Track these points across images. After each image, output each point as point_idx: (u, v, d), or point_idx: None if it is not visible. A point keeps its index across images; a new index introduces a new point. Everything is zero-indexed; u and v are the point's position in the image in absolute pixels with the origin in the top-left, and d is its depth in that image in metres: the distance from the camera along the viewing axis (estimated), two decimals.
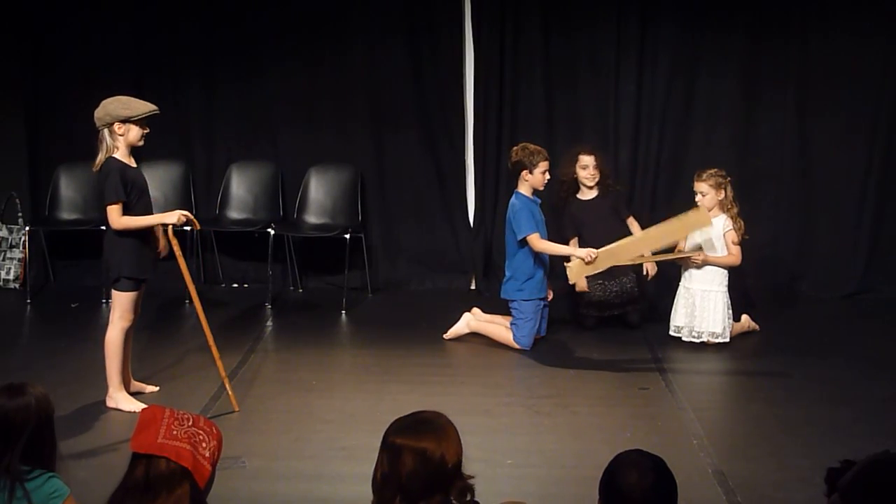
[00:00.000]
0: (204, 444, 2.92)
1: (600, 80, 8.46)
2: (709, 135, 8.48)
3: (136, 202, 5.63)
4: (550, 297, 7.20)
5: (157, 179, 8.45)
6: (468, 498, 2.88)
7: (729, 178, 7.15)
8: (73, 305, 8.09)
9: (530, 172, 6.89)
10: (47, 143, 8.74)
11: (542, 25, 8.40)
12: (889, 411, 5.81)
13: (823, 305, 8.29)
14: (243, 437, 5.34)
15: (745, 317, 7.38)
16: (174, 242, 5.66)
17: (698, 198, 7.11)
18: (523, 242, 6.87)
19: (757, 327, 7.43)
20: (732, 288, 7.18)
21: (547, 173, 6.92)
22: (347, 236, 8.16)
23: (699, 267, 7.08)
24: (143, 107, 5.62)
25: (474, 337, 7.20)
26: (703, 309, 7.07)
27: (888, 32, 8.24)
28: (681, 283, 7.22)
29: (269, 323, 7.77)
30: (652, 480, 2.69)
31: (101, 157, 5.59)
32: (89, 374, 6.12)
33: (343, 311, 7.98)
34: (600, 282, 7.30)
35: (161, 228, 5.73)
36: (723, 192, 7.09)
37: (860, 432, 5.39)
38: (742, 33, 8.34)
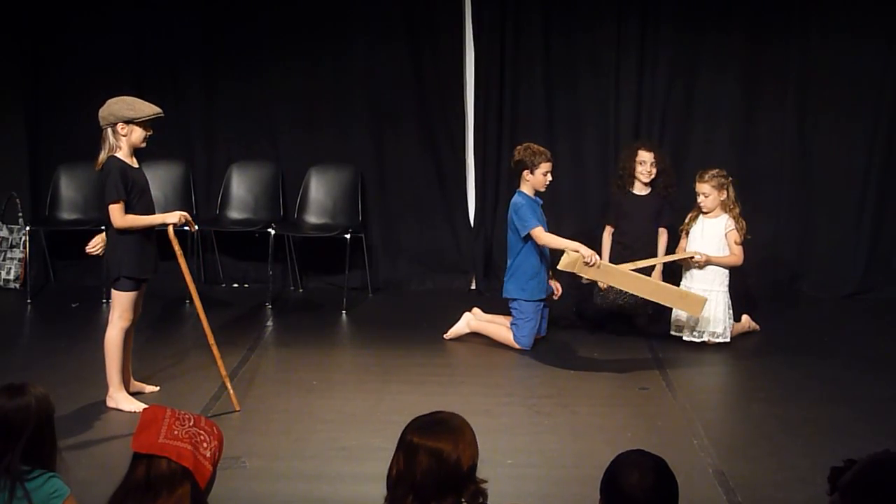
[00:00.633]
0: (205, 444, 2.92)
1: (600, 80, 8.47)
2: (709, 135, 8.48)
3: (137, 202, 5.62)
4: (559, 292, 7.18)
5: (158, 179, 8.45)
6: (480, 501, 2.87)
7: (731, 179, 7.15)
8: (73, 305, 8.09)
9: (531, 172, 6.89)
10: (48, 144, 8.74)
11: (542, 25, 8.41)
12: (889, 411, 5.81)
13: (824, 305, 8.29)
14: (244, 437, 5.34)
15: (745, 317, 7.38)
16: (175, 242, 5.65)
17: (700, 199, 7.12)
18: (527, 238, 6.86)
19: (757, 327, 7.44)
20: (733, 288, 7.18)
21: (549, 175, 6.91)
22: (348, 236, 8.16)
23: (701, 267, 7.08)
24: (148, 109, 5.62)
25: (475, 337, 7.20)
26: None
27: (888, 33, 8.26)
28: (682, 283, 7.22)
29: (270, 323, 7.77)
30: (653, 481, 2.69)
31: (102, 156, 5.59)
32: (90, 373, 6.12)
33: (343, 311, 7.98)
34: (609, 289, 7.31)
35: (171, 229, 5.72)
36: (725, 192, 7.10)
37: (860, 432, 5.39)
38: (742, 33, 8.34)
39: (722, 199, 7.11)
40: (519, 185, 7.00)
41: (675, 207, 7.59)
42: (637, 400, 6.11)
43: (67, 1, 8.54)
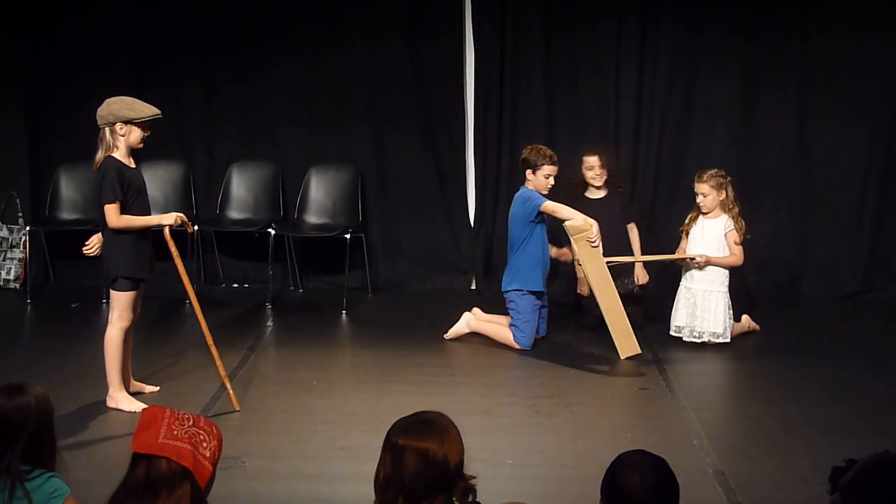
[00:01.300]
0: (204, 444, 2.92)
1: (600, 80, 8.47)
2: (709, 135, 8.48)
3: (133, 202, 5.62)
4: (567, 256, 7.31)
5: (158, 179, 8.46)
6: (470, 499, 2.89)
7: (729, 179, 7.15)
8: (73, 305, 8.09)
9: (534, 173, 6.89)
10: (48, 144, 8.74)
11: (542, 25, 8.41)
12: (890, 411, 5.80)
13: (824, 305, 8.29)
14: (243, 437, 5.34)
15: (745, 317, 7.38)
16: (171, 244, 5.64)
17: (699, 199, 7.12)
18: (539, 216, 6.83)
19: (757, 327, 7.44)
20: (733, 288, 7.18)
21: (551, 179, 6.90)
22: (348, 236, 8.16)
23: (701, 268, 7.08)
24: (147, 110, 5.62)
25: (474, 337, 7.20)
26: (703, 309, 7.07)
27: (888, 33, 8.26)
28: (682, 283, 7.22)
29: (270, 323, 7.77)
30: (654, 481, 2.69)
31: (99, 155, 5.59)
32: (89, 374, 6.12)
33: (343, 311, 7.98)
34: None
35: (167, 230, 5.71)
36: (724, 192, 7.10)
37: (861, 432, 5.39)
38: (742, 33, 8.34)
39: (721, 199, 7.10)
40: (524, 184, 7.00)
41: (635, 199, 7.77)
42: (637, 400, 6.11)
43: (67, 1, 8.53)
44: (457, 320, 7.24)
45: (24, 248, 8.48)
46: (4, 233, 8.57)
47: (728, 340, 7.08)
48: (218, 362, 5.76)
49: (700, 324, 7.08)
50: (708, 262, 7.06)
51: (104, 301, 7.85)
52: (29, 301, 8.19)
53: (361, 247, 8.46)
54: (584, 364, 6.73)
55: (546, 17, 8.41)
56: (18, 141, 8.66)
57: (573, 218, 6.68)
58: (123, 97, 5.67)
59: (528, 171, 6.92)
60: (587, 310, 7.41)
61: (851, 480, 2.39)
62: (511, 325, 7.03)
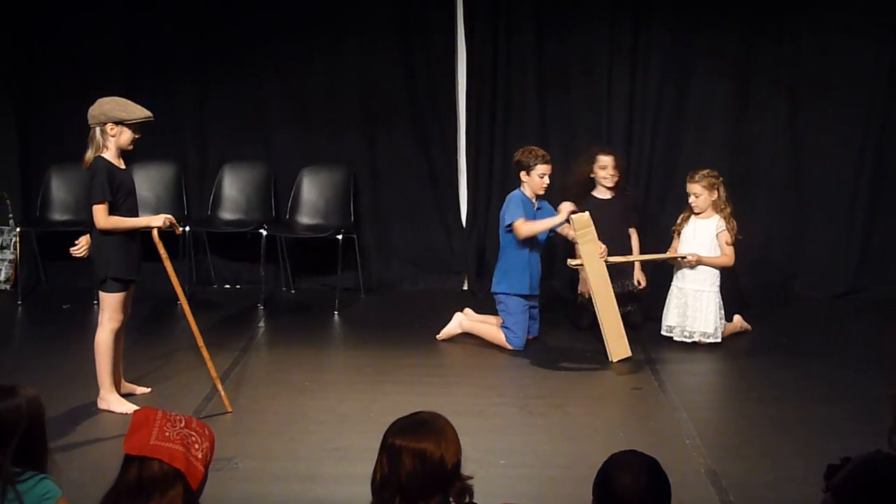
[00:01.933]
0: (196, 446, 2.91)
1: (593, 81, 8.47)
2: (701, 135, 8.49)
3: (122, 203, 5.61)
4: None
5: (149, 180, 8.45)
6: (467, 499, 2.89)
7: (721, 179, 7.16)
8: (64, 307, 8.07)
9: (528, 174, 6.90)
10: (39, 144, 8.72)
11: (534, 26, 8.41)
12: (882, 410, 5.77)
13: (815, 305, 8.30)
14: (236, 438, 5.34)
15: (737, 317, 7.39)
16: (160, 245, 5.63)
17: (691, 199, 7.13)
18: (509, 229, 6.87)
19: (749, 327, 7.44)
20: (725, 288, 7.19)
21: (546, 178, 6.91)
22: (340, 237, 8.15)
23: (692, 267, 7.09)
24: (139, 112, 5.61)
25: (467, 337, 7.20)
26: (695, 309, 7.08)
27: (879, 32, 8.28)
28: (673, 283, 7.24)
29: (262, 324, 7.76)
30: (646, 481, 2.69)
31: (89, 155, 5.58)
32: (81, 375, 6.10)
33: (336, 312, 7.98)
34: None
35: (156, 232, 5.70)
36: (716, 192, 7.11)
37: (853, 431, 5.39)
38: (734, 34, 8.35)
39: (713, 199, 7.11)
40: (520, 186, 7.01)
41: (637, 204, 7.71)
42: (630, 400, 6.12)
43: (59, 1, 8.51)
44: (449, 321, 7.24)
45: (15, 249, 8.46)
46: None
47: (719, 340, 7.09)
48: (209, 363, 5.76)
49: (691, 323, 7.10)
50: (699, 262, 7.07)
51: (95, 302, 7.78)
52: (20, 302, 8.18)
53: (354, 247, 8.45)
54: (577, 364, 6.74)
55: (538, 17, 8.41)
56: (9, 142, 8.63)
57: (547, 226, 6.85)
58: (116, 98, 5.66)
59: (522, 173, 6.93)
60: (583, 309, 7.41)
61: (843, 480, 2.39)
62: (503, 326, 7.03)
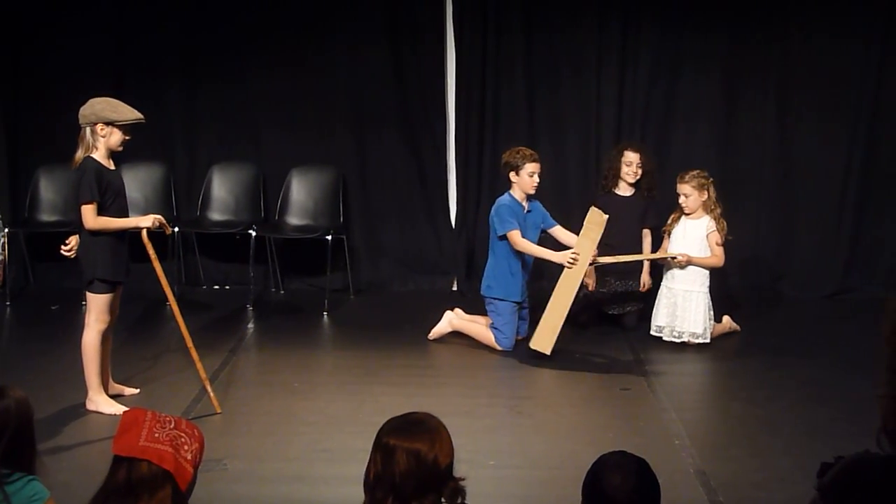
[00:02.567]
0: (186, 447, 2.91)
1: (582, 81, 8.49)
2: (690, 135, 8.52)
3: (111, 204, 5.59)
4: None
5: (138, 181, 8.43)
6: (459, 500, 2.88)
7: (711, 180, 7.18)
8: (52, 308, 8.05)
9: (517, 174, 6.90)
10: (27, 145, 8.69)
11: (523, 26, 8.42)
12: (870, 411, 5.75)
13: (804, 306, 8.33)
14: (225, 439, 5.33)
15: (726, 318, 7.40)
16: (149, 246, 5.62)
17: (681, 199, 7.15)
18: (503, 238, 6.87)
19: (738, 328, 7.46)
20: (714, 289, 7.20)
21: (535, 176, 6.91)
22: (329, 238, 8.15)
23: (682, 267, 7.10)
24: (130, 113, 5.59)
25: (457, 338, 7.19)
26: (684, 309, 7.09)
27: (867, 33, 8.30)
28: (663, 283, 7.25)
29: (251, 325, 7.75)
30: (635, 482, 2.69)
31: (79, 155, 5.57)
32: (69, 376, 6.08)
33: (325, 313, 7.97)
34: (608, 279, 7.36)
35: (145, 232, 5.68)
36: (706, 193, 7.13)
37: (841, 432, 5.40)
38: (723, 34, 8.38)
39: (703, 199, 7.13)
40: (509, 189, 7.01)
41: (660, 209, 7.58)
42: (619, 401, 6.12)
43: (47, 1, 8.49)
44: (439, 321, 7.24)
45: (4, 250, 8.43)
46: None
47: (707, 341, 7.10)
48: (198, 364, 5.75)
49: (680, 324, 7.11)
50: (689, 262, 7.09)
51: (83, 303, 7.79)
52: (8, 303, 8.15)
53: (343, 248, 8.44)
54: (566, 365, 6.74)
55: (527, 18, 8.42)
56: None
57: (537, 255, 6.85)
58: (108, 98, 5.65)
59: (512, 174, 6.92)
60: (584, 303, 7.42)
61: (831, 480, 2.39)
62: (492, 327, 7.04)
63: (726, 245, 7.16)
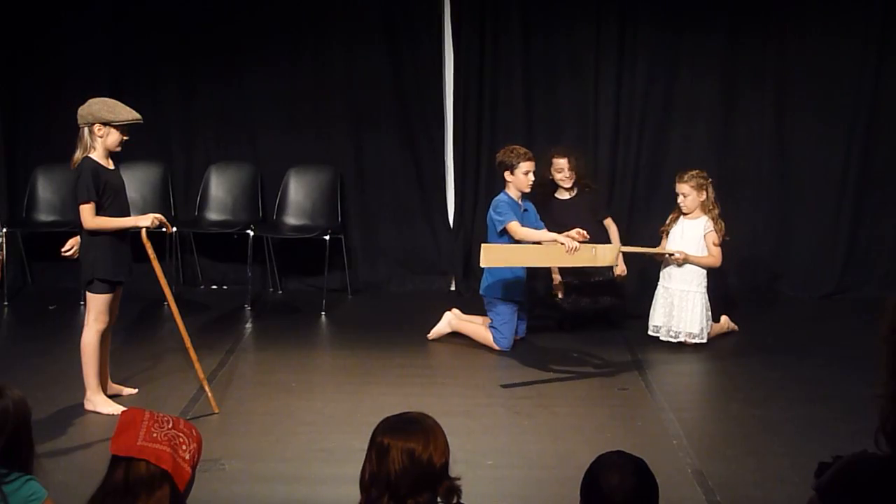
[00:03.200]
0: (184, 447, 2.91)
1: (579, 82, 8.49)
2: (688, 135, 8.51)
3: (110, 204, 5.58)
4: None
5: (136, 181, 8.42)
6: (455, 499, 2.89)
7: (710, 180, 7.18)
8: (50, 307, 8.05)
9: (512, 173, 6.90)
10: (25, 145, 8.69)
11: (521, 27, 8.42)
12: (867, 410, 5.77)
13: (802, 305, 8.34)
14: (223, 439, 5.33)
15: (724, 317, 7.41)
16: (148, 246, 5.62)
17: (680, 199, 7.14)
18: (503, 233, 6.86)
19: (736, 328, 7.46)
20: (712, 289, 7.20)
21: (531, 174, 6.90)
22: (327, 238, 8.15)
23: (680, 265, 7.10)
24: (128, 114, 5.59)
25: (455, 338, 7.20)
26: (681, 309, 7.09)
27: (865, 34, 8.30)
28: (660, 283, 7.25)
29: (249, 324, 7.75)
30: (633, 482, 2.69)
31: (78, 155, 5.57)
32: (67, 376, 6.08)
33: (323, 313, 7.97)
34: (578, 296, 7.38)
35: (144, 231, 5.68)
36: (704, 193, 7.12)
37: (839, 431, 5.41)
38: (721, 35, 8.37)
39: (701, 199, 7.13)
40: (505, 188, 7.01)
41: (606, 198, 7.71)
42: (616, 401, 6.12)
43: (45, 2, 8.49)
44: (436, 321, 7.24)
45: (2, 249, 8.42)
46: None
47: (704, 341, 7.10)
48: (196, 364, 5.75)
49: (677, 323, 7.11)
50: (686, 260, 7.08)
51: (82, 303, 7.79)
52: (6, 303, 8.14)
53: (341, 248, 8.45)
54: (564, 365, 6.75)
55: (525, 18, 8.42)
56: None
57: (538, 239, 6.78)
58: (106, 99, 5.66)
59: (507, 173, 6.92)
60: (562, 310, 7.42)
61: (829, 479, 2.39)
62: (490, 326, 7.04)
63: (724, 245, 7.16)
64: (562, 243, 6.57)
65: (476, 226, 8.51)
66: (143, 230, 5.63)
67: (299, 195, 8.62)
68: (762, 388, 6.31)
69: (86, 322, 5.70)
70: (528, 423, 5.70)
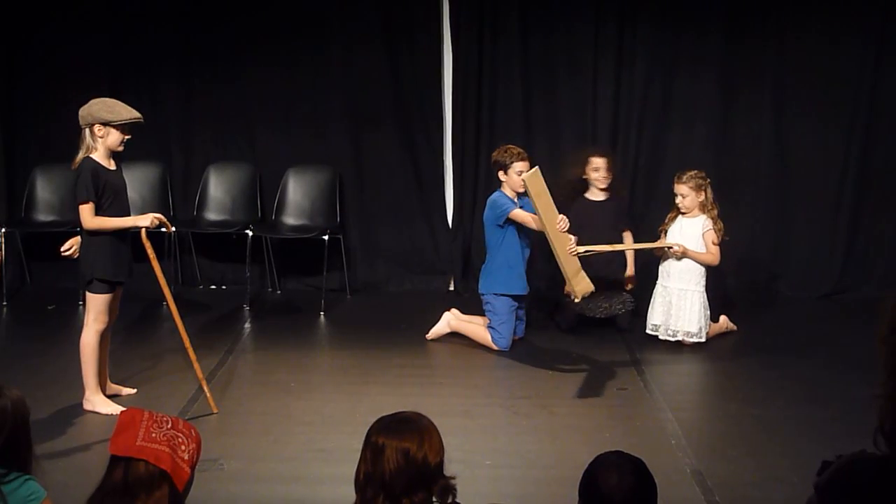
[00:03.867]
0: (183, 447, 2.91)
1: (578, 82, 8.48)
2: (686, 135, 8.51)
3: (110, 204, 5.58)
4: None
5: (135, 181, 8.40)
6: (450, 499, 2.90)
7: (709, 180, 7.18)
8: (49, 307, 8.04)
9: (505, 173, 6.90)
10: (23, 145, 8.69)
11: (520, 27, 8.41)
12: (866, 411, 5.76)
13: (800, 305, 8.34)
14: (222, 439, 5.33)
15: (723, 317, 7.41)
16: (148, 246, 5.62)
17: (678, 199, 7.15)
18: (507, 222, 6.86)
19: (735, 328, 7.47)
20: (711, 288, 7.20)
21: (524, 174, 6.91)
22: (326, 237, 8.15)
23: (679, 259, 7.09)
24: (127, 113, 5.58)
25: (453, 338, 7.20)
26: (679, 308, 7.10)
27: (863, 33, 8.30)
28: (658, 282, 7.25)
29: (248, 324, 7.75)
30: (632, 482, 2.70)
31: (80, 156, 5.57)
32: (66, 376, 6.08)
33: (321, 313, 7.97)
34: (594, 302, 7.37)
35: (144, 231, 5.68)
36: (703, 193, 7.13)
37: (837, 431, 5.41)
38: (719, 35, 8.37)
39: (700, 199, 7.13)
40: (500, 187, 7.01)
41: (633, 211, 7.56)
42: (615, 400, 6.12)
43: (44, 2, 8.48)
44: (435, 321, 7.25)
45: (0, 250, 8.41)
46: None
47: (703, 340, 7.10)
48: (195, 365, 5.75)
49: (675, 322, 7.11)
50: (685, 254, 7.08)
51: (80, 303, 7.81)
52: (5, 303, 8.14)
53: (339, 248, 8.44)
54: (563, 365, 6.75)
55: (523, 18, 8.41)
56: None
57: (529, 225, 6.75)
58: (106, 99, 5.65)
59: (501, 173, 6.93)
60: (565, 310, 7.42)
61: (828, 480, 2.39)
62: (489, 327, 7.04)
63: (722, 245, 7.16)
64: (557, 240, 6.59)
65: (475, 226, 8.51)
66: (143, 230, 5.63)
67: (298, 195, 8.62)
68: (761, 388, 6.31)
69: (85, 322, 5.70)
70: (527, 423, 5.70)
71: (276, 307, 8.31)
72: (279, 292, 8.66)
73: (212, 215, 8.61)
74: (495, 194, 6.97)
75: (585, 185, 7.59)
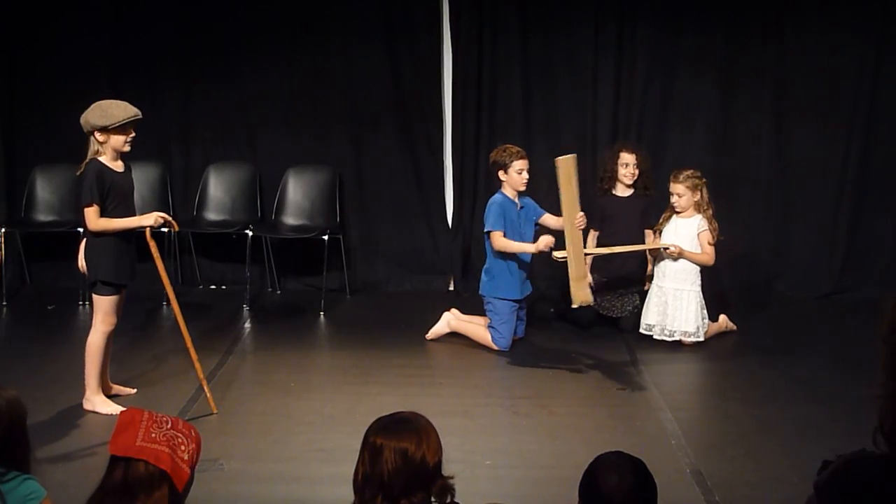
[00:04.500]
0: (183, 447, 2.91)
1: (578, 82, 8.49)
2: (686, 135, 8.52)
3: (115, 206, 5.59)
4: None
5: (135, 181, 8.27)
6: (448, 499, 2.90)
7: (704, 180, 7.18)
8: (49, 308, 8.04)
9: (505, 172, 6.90)
10: (23, 145, 8.68)
11: (520, 27, 8.42)
12: (866, 410, 5.77)
13: (800, 305, 8.33)
14: (222, 439, 5.33)
15: (722, 317, 7.41)
16: (152, 245, 5.62)
17: (674, 199, 7.15)
18: (487, 236, 6.89)
19: (734, 327, 7.47)
20: (710, 288, 7.21)
21: (524, 173, 6.91)
22: (326, 238, 8.15)
23: (675, 259, 7.10)
24: (123, 113, 5.55)
25: (453, 338, 7.20)
26: (675, 308, 7.10)
27: (864, 34, 8.30)
28: (653, 282, 7.26)
29: (247, 324, 7.75)
30: (632, 482, 2.70)
31: (85, 160, 5.57)
32: (66, 376, 6.09)
33: (321, 313, 7.97)
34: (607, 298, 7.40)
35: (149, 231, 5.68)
36: (698, 193, 7.13)
37: (837, 431, 5.41)
38: (719, 35, 8.38)
39: (696, 199, 7.13)
40: (500, 187, 7.01)
41: (659, 208, 7.55)
42: (615, 400, 6.12)
43: (43, 2, 8.48)
44: (435, 321, 7.25)
45: (0, 250, 8.42)
46: None
47: (701, 339, 7.11)
48: (196, 365, 5.75)
49: (671, 322, 7.11)
50: (680, 255, 7.08)
51: (80, 303, 7.83)
52: (5, 304, 8.14)
53: (339, 248, 8.44)
54: (562, 365, 6.75)
55: (524, 18, 8.42)
56: None
57: (518, 251, 6.82)
58: (101, 103, 5.59)
59: (500, 173, 6.93)
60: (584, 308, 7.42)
61: (827, 479, 2.40)
62: (489, 326, 7.04)
63: (721, 245, 7.17)
64: (544, 248, 6.66)
65: (475, 226, 8.51)
66: (147, 229, 5.63)
67: (298, 195, 8.62)
68: (760, 388, 6.31)
69: (93, 323, 5.71)
70: (527, 423, 5.71)
71: (275, 307, 8.31)
72: (279, 292, 8.66)
73: (212, 215, 8.61)
74: (497, 198, 6.96)
75: (613, 180, 7.59)
